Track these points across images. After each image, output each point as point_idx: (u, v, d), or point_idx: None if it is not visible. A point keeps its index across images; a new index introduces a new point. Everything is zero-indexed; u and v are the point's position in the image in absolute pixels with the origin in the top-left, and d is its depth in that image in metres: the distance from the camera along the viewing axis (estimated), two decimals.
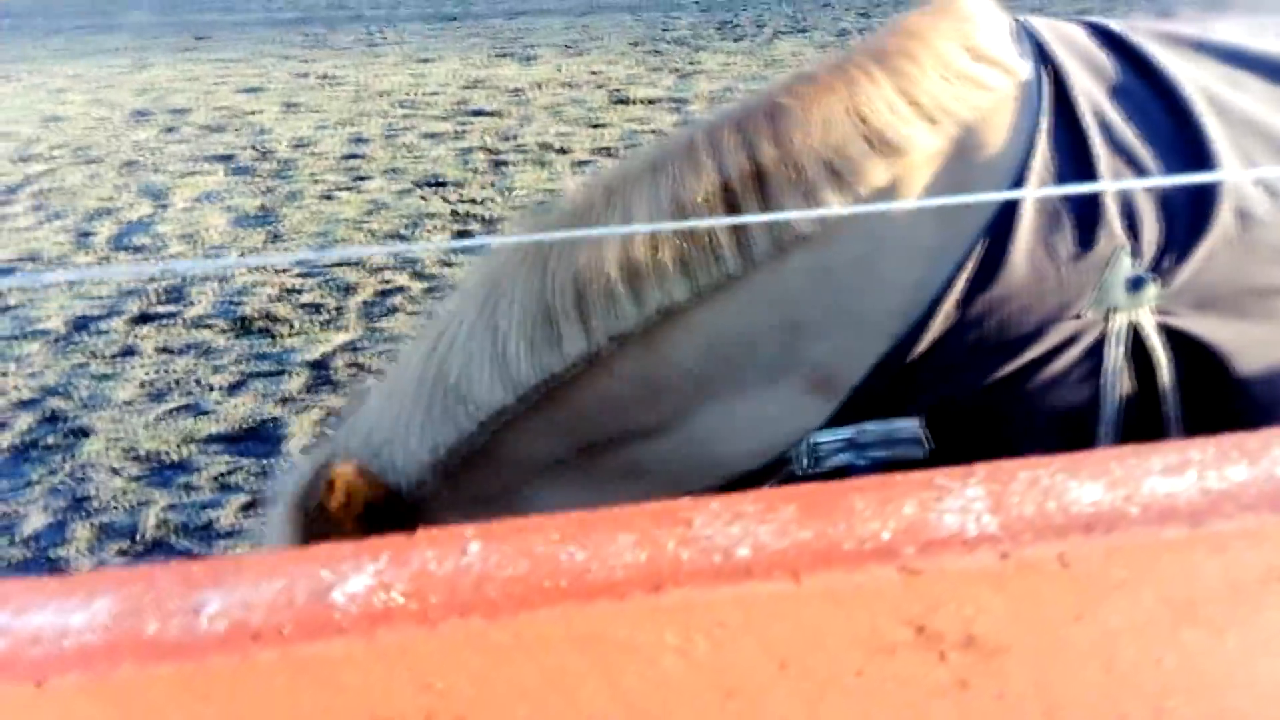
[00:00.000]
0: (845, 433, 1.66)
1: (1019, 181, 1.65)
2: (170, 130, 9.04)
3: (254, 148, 8.36)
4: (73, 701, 0.55)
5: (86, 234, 6.51)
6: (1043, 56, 1.79)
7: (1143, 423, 1.63)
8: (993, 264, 1.60)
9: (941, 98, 1.67)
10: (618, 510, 0.66)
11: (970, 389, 1.62)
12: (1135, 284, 1.65)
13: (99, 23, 15.04)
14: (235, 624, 0.57)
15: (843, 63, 1.65)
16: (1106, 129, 1.75)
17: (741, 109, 1.65)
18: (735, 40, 12.08)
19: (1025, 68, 1.72)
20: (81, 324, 5.23)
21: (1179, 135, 1.77)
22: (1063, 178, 1.70)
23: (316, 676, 0.56)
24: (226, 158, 8.10)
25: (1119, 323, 1.64)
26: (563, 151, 7.79)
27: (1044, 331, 1.61)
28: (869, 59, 1.64)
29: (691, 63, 10.88)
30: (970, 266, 1.61)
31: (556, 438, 1.66)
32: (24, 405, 4.48)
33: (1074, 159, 1.71)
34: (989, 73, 1.67)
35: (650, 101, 9.25)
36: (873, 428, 1.65)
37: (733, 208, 1.56)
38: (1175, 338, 1.64)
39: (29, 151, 8.51)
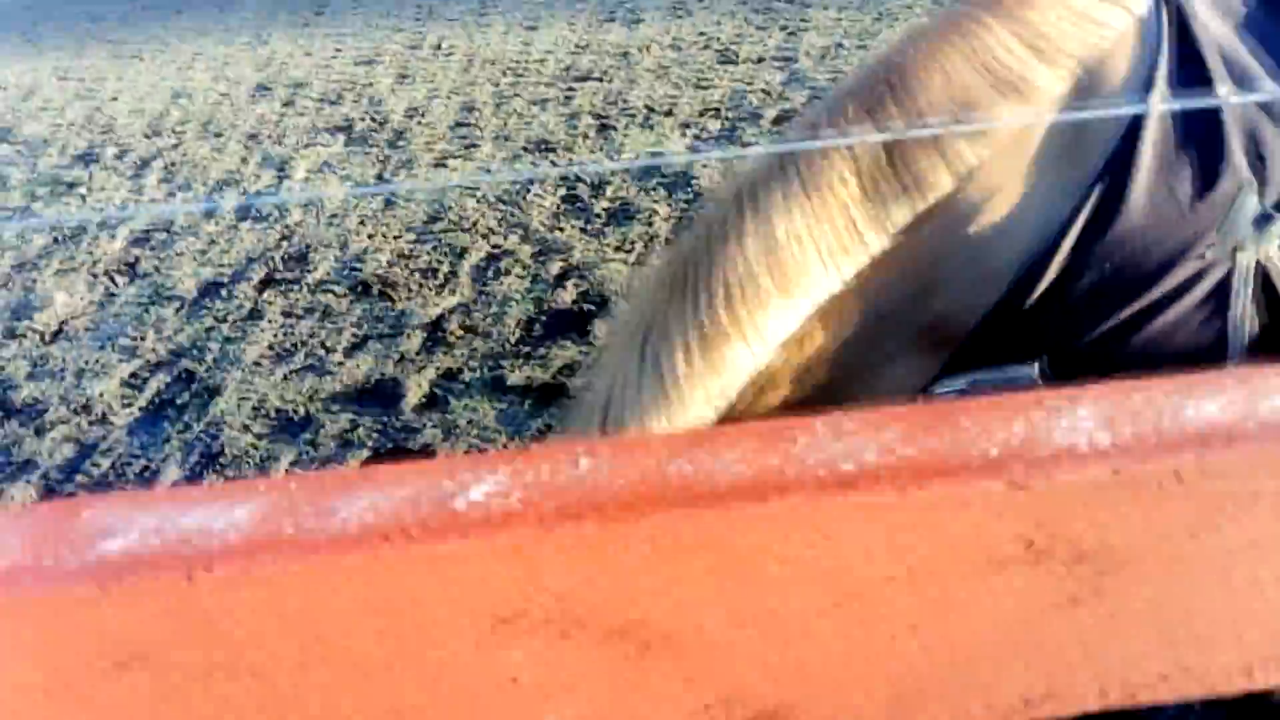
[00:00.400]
0: (959, 382, 1.64)
1: (1136, 124, 1.61)
2: (289, 103, 9.32)
3: (370, 117, 8.56)
4: (222, 594, 0.60)
5: (214, 203, 6.78)
6: None
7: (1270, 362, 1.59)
8: (1111, 205, 1.56)
9: (1061, 40, 1.63)
10: (726, 428, 0.68)
11: (1090, 332, 1.59)
12: (1262, 221, 1.60)
13: (221, 1, 15.53)
14: (365, 526, 0.61)
15: (958, 15, 1.62)
16: (1230, 64, 1.69)
17: (859, 79, 1.63)
18: None
19: (1142, 2, 1.67)
20: (211, 289, 5.47)
21: None
22: (1184, 118, 1.65)
23: (442, 575, 0.59)
24: (344, 128, 8.32)
25: (1245, 261, 1.59)
26: (669, 114, 7.77)
27: (1166, 272, 1.57)
28: (983, 8, 1.60)
29: (802, 19, 10.69)
30: (1088, 209, 1.57)
31: None
32: (159, 366, 4.72)
33: (1197, 95, 1.66)
34: (1107, 10, 1.63)
35: (758, 60, 9.13)
36: (986, 376, 1.63)
37: (866, 185, 1.55)
38: None
39: (159, 126, 8.89)
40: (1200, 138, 1.62)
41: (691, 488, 0.62)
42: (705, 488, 0.62)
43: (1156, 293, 1.57)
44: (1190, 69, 1.66)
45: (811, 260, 1.48)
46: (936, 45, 1.56)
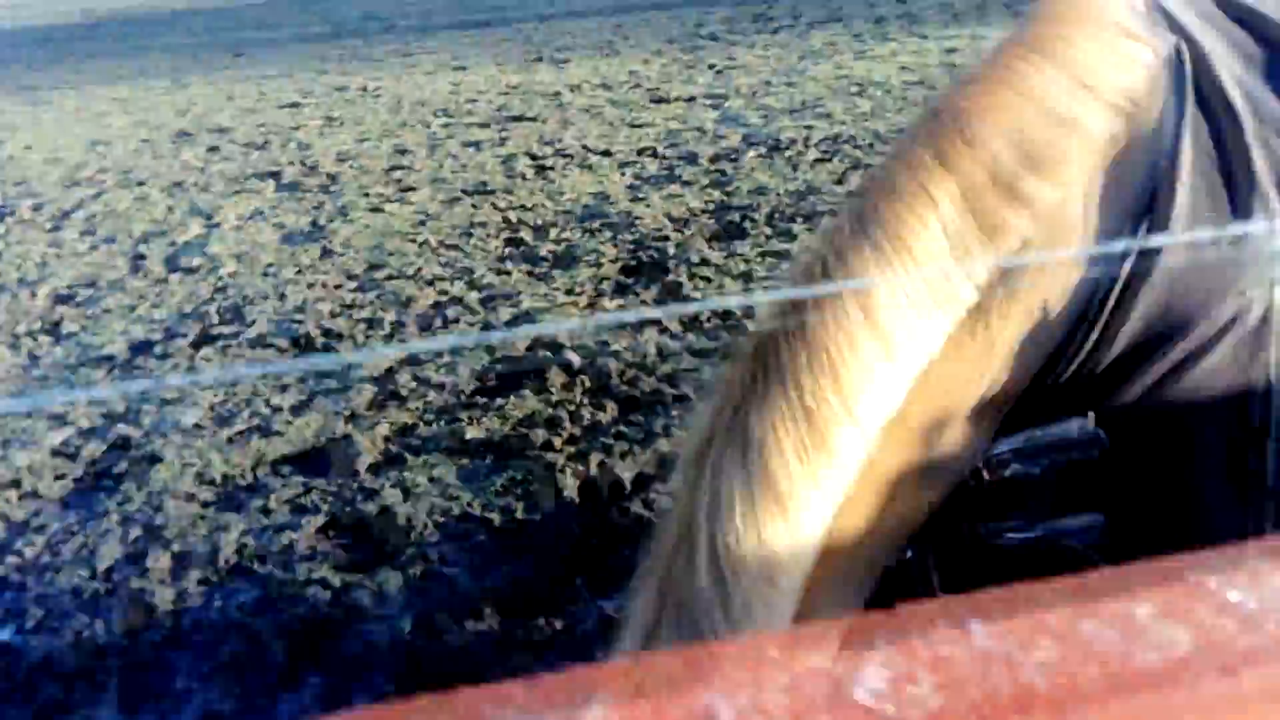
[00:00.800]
0: (1014, 441, 1.57)
1: (1173, 157, 1.57)
2: (214, 149, 9.08)
3: (299, 163, 8.36)
4: None
5: (140, 256, 6.52)
6: (1173, 25, 1.72)
7: None
8: (1153, 247, 1.52)
9: (1108, 79, 1.59)
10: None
11: (1137, 380, 1.54)
12: None
13: (137, 45, 15.16)
14: None
15: (1004, 58, 1.56)
16: (1250, 99, 1.67)
17: (920, 128, 1.56)
18: (772, 33, 11.95)
19: (1167, 40, 1.64)
20: (143, 347, 5.23)
21: None
22: (1214, 152, 1.62)
23: None
24: (273, 174, 8.11)
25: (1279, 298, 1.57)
26: (606, 154, 7.73)
27: (1208, 312, 1.53)
28: (1030, 50, 1.55)
29: (729, 58, 10.77)
30: (1134, 249, 1.53)
31: None
32: (91, 433, 4.48)
33: (1225, 132, 1.64)
34: (1140, 49, 1.59)
35: (689, 99, 9.16)
36: (1042, 433, 1.57)
37: (950, 234, 1.46)
38: None
39: (77, 176, 8.57)
40: (1230, 172, 1.59)
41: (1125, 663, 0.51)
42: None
43: (1199, 336, 1.53)
44: (1215, 104, 1.63)
45: (910, 320, 1.38)
46: (992, 88, 1.50)
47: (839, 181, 6.20)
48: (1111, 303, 1.49)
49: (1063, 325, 1.52)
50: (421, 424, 4.34)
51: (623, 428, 4.11)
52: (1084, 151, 1.54)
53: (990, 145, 1.49)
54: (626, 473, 3.79)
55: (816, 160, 6.60)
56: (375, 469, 4.06)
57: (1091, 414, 1.57)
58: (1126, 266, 1.49)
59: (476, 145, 8.35)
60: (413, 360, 4.83)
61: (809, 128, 7.42)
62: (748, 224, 5.76)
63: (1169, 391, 1.56)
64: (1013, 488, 1.60)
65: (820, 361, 1.35)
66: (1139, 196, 1.55)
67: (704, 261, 5.40)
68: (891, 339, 1.38)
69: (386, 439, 4.25)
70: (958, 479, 1.57)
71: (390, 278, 5.77)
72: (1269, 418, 1.61)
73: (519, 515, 3.68)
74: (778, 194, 6.13)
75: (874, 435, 1.39)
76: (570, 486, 3.79)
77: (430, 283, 5.64)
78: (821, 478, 1.35)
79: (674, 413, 4.13)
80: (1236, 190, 1.61)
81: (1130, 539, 1.60)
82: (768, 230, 5.66)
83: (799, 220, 5.68)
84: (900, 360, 1.39)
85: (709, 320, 4.79)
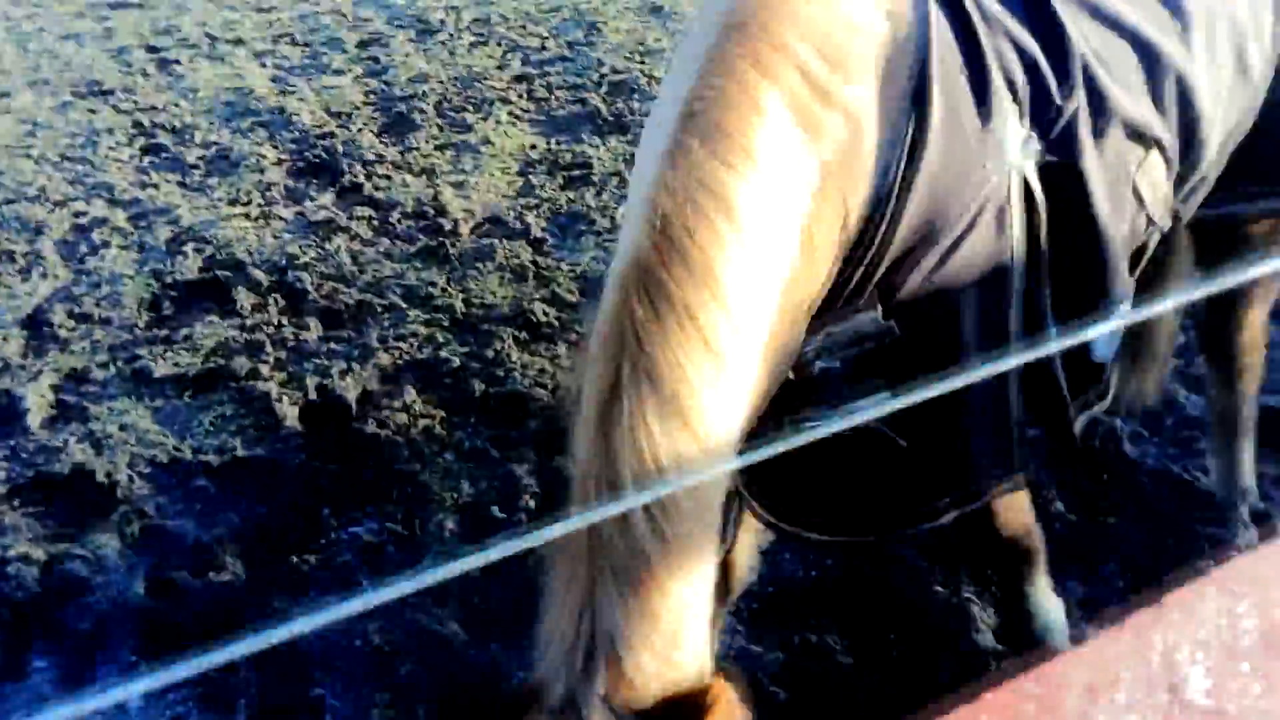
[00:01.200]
0: (814, 341, 1.68)
1: (926, 58, 1.71)
2: None
3: None
4: None
5: None
6: None
7: (1030, 257, 1.81)
8: (919, 141, 1.66)
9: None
10: None
11: (916, 269, 1.69)
12: (1025, 142, 1.80)
13: None
14: None
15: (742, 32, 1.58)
16: (979, 6, 1.85)
17: (725, 39, 1.54)
18: None
19: None
20: None
21: (1028, 5, 1.91)
22: (957, 51, 1.78)
23: None
24: None
25: (1015, 179, 1.78)
26: (238, 43, 7.05)
27: (965, 197, 1.71)
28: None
29: None
30: (905, 145, 1.66)
31: None
32: None
33: (964, 38, 1.80)
34: None
35: None
36: (839, 330, 1.69)
37: (782, 138, 1.50)
38: (1050, 176, 1.81)
39: None
40: (972, 71, 1.76)
41: None
42: None
43: (960, 221, 1.71)
44: (948, 5, 1.79)
45: (771, 224, 1.45)
46: (736, 75, 1.52)
47: (500, 67, 6.08)
48: (894, 199, 1.62)
49: (858, 224, 1.64)
50: (94, 366, 3.87)
51: (333, 345, 3.90)
52: (872, 53, 1.64)
53: (799, 52, 1.55)
54: (350, 392, 3.63)
55: (473, 44, 6.42)
56: (51, 424, 3.60)
57: (880, 307, 1.71)
58: (902, 163, 1.63)
59: (76, 38, 7.30)
60: (65, 295, 4.27)
61: (456, 8, 7.17)
62: (416, 115, 5.53)
63: (941, 274, 1.74)
64: (820, 382, 1.73)
65: (700, 279, 1.39)
66: (905, 93, 1.68)
67: (379, 158, 5.15)
68: (760, 246, 1.44)
69: (55, 388, 3.77)
70: (784, 378, 1.68)
71: (8, 201, 5.00)
72: (1007, 286, 1.83)
73: (239, 452, 3.43)
74: (440, 81, 5.92)
75: (760, 347, 1.45)
76: (290, 415, 3.57)
77: (61, 204, 4.96)
78: (724, 395, 1.40)
79: (387, 324, 3.97)
80: (976, 87, 1.79)
81: (913, 408, 1.79)
82: (439, 120, 5.48)
83: (470, 110, 5.54)
84: (769, 266, 1.46)
85: (400, 222, 4.61)
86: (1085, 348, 1.94)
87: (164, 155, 5.41)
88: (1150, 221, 1.98)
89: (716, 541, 1.46)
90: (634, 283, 1.40)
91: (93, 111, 5.99)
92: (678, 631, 1.38)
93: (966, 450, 1.81)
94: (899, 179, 1.64)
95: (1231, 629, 0.58)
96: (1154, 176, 1.96)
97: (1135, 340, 2.80)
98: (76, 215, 4.86)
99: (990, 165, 1.75)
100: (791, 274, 1.50)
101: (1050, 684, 0.58)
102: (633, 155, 5.05)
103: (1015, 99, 1.80)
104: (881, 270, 1.67)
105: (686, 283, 1.38)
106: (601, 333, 1.41)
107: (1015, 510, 1.99)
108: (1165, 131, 1.94)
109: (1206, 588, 0.59)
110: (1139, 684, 0.57)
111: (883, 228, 1.63)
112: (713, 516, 1.44)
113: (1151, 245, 2.06)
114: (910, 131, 1.65)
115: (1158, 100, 1.93)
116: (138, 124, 5.77)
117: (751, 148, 1.45)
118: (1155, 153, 1.94)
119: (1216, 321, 2.68)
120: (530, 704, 1.37)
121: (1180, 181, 2.05)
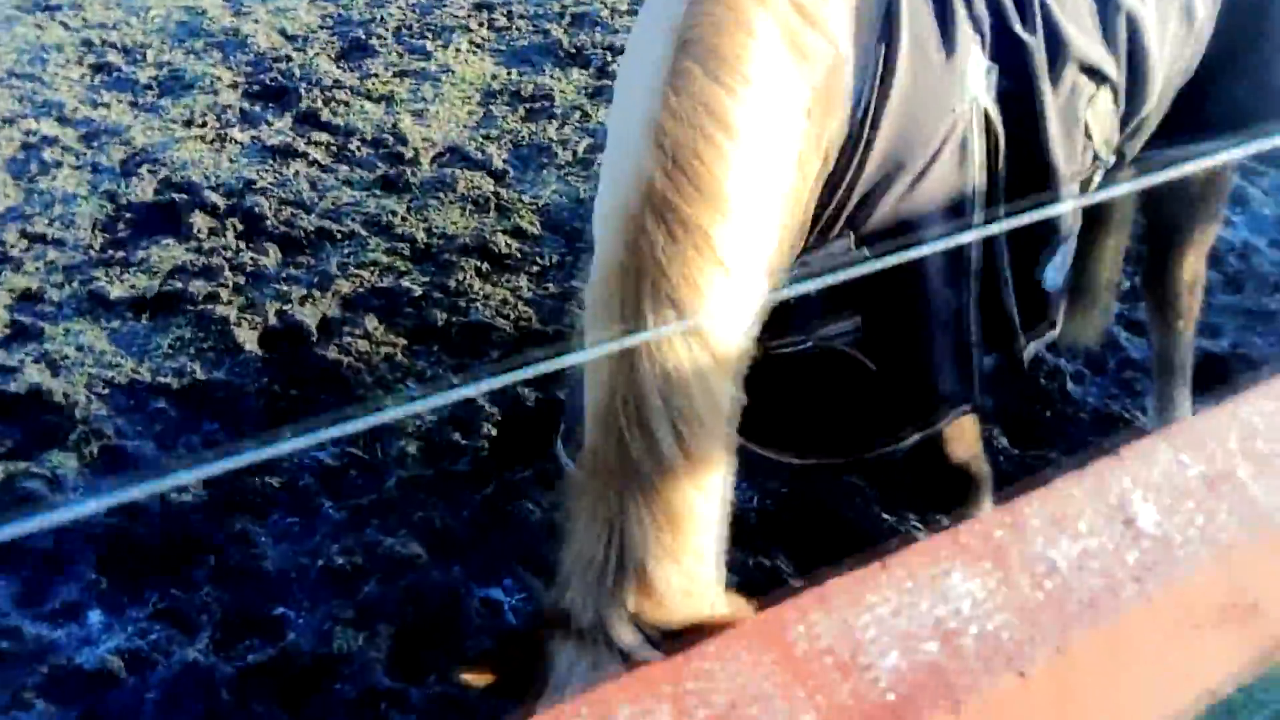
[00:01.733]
0: (790, 266, 1.74)
1: (892, 9, 1.75)
2: None
3: None
4: None
5: None
6: None
7: (988, 187, 1.88)
8: (888, 71, 1.71)
9: None
10: None
11: (886, 198, 1.75)
12: (986, 73, 1.85)
13: None
14: None
15: None
16: None
17: (667, 60, 1.56)
18: None
19: None
20: None
21: None
22: None
23: None
24: None
25: (976, 111, 1.84)
26: None
27: (932, 131, 1.77)
28: None
29: None
30: (875, 76, 1.71)
31: None
32: None
33: None
34: None
35: None
36: (813, 258, 1.74)
37: (776, 62, 1.53)
38: (1007, 109, 1.87)
39: None
40: (936, 2, 1.81)
41: None
42: None
43: (926, 153, 1.77)
44: None
45: (771, 141, 1.49)
46: (732, 2, 1.54)
47: None
48: (867, 126, 1.67)
49: (835, 153, 1.69)
50: (49, 287, 3.83)
51: (292, 270, 3.89)
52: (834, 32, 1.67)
53: (738, 70, 1.57)
54: (310, 319, 3.63)
55: None
56: (6, 344, 3.57)
57: (852, 234, 1.77)
58: (875, 92, 1.68)
59: None
60: (17, 215, 4.20)
61: None
62: (375, 41, 5.45)
63: (908, 204, 1.80)
64: (798, 310, 1.79)
65: (711, 200, 1.43)
66: (876, 21, 1.73)
67: (337, 84, 5.08)
68: (763, 166, 1.49)
69: (9, 308, 3.73)
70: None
71: None
72: (967, 211, 1.90)
73: (199, 375, 3.43)
74: (399, 7, 5.82)
75: (765, 264, 1.51)
76: (250, 339, 3.57)
77: (9, 121, 4.84)
78: (737, 312, 1.46)
79: (347, 251, 3.96)
80: (942, 18, 1.83)
81: (881, 332, 1.86)
82: (398, 48, 5.40)
83: (430, 37, 5.46)
84: (772, 185, 1.51)
85: (359, 149, 4.57)
86: (1036, 280, 2.02)
87: (115, 74, 5.29)
88: (1096, 157, 2.05)
89: (729, 456, 1.51)
90: (648, 208, 1.43)
91: (40, 28, 5.81)
92: (701, 547, 1.42)
93: (929, 372, 1.89)
94: (871, 107, 1.69)
95: (1181, 474, 0.67)
96: (1102, 113, 2.02)
97: (1080, 280, 2.89)
98: (27, 134, 4.75)
99: (954, 96, 1.80)
100: (791, 193, 1.56)
101: (1019, 514, 0.65)
102: (594, 89, 5.04)
103: (977, 29, 1.85)
104: (854, 201, 1.73)
105: (699, 203, 1.42)
106: (618, 259, 1.43)
107: (965, 439, 2.08)
108: (1115, 70, 2.01)
109: (1159, 443, 0.69)
110: (1099, 517, 0.65)
111: (856, 156, 1.68)
112: (727, 431, 1.49)
113: (1096, 181, 2.14)
114: (881, 61, 1.70)
115: (1109, 37, 1.99)
116: (86, 41, 5.62)
117: (749, 71, 1.49)
118: (1105, 90, 2.01)
119: (1157, 262, 2.78)
120: (557, 628, 1.39)
121: (1125, 120, 2.12)
